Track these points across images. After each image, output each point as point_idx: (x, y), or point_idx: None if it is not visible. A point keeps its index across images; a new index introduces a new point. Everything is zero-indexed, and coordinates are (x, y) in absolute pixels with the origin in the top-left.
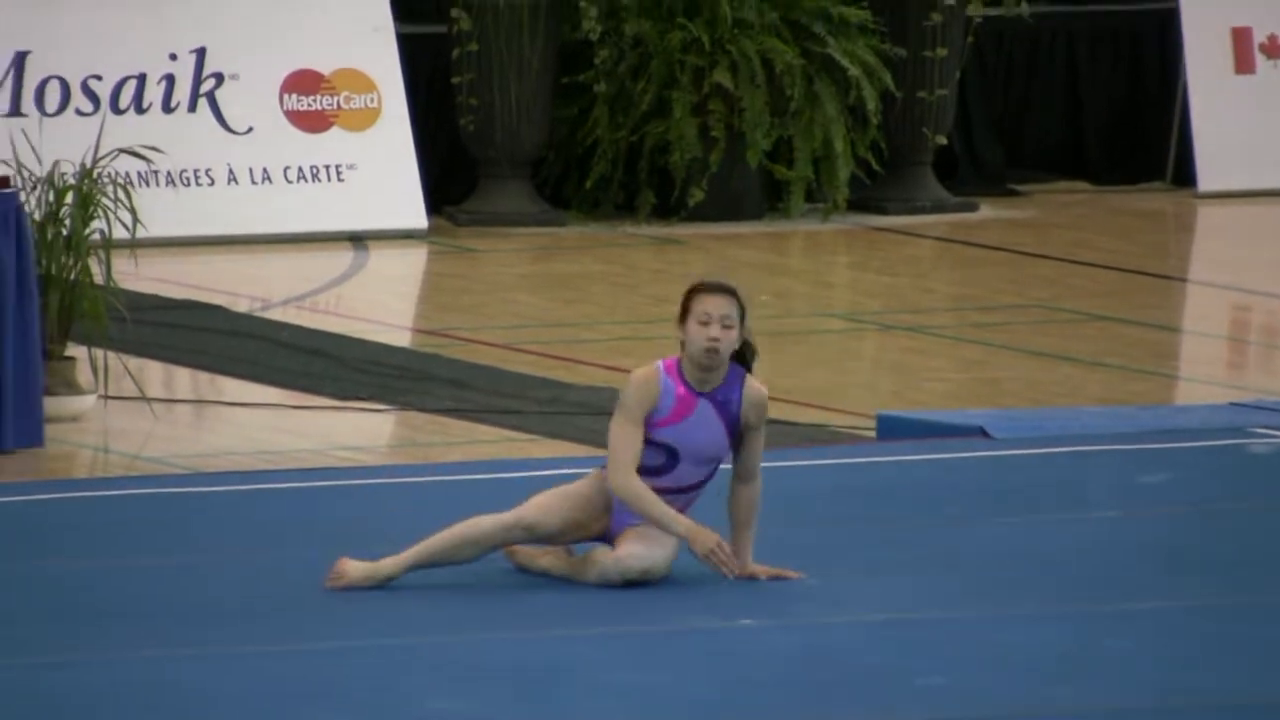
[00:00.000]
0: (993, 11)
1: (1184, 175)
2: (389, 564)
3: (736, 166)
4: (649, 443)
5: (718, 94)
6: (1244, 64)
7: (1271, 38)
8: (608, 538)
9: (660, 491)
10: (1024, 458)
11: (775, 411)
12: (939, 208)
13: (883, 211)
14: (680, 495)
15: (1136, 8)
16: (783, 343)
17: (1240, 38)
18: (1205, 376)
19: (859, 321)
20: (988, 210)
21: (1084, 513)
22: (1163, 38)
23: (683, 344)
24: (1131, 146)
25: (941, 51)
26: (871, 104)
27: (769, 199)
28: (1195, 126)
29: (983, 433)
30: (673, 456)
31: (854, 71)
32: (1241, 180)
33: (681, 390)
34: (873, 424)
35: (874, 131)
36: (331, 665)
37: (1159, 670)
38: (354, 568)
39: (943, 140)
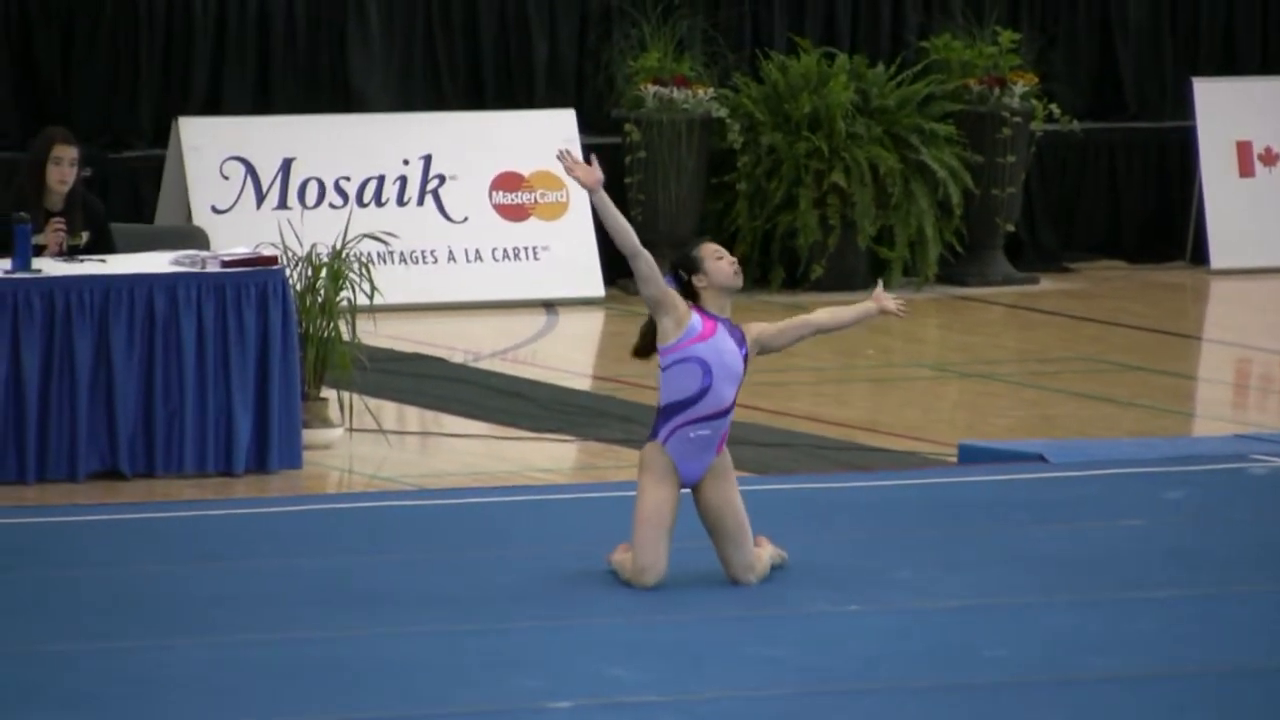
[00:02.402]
0: (1050, 127)
1: (1200, 256)
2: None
3: (849, 248)
4: (684, 361)
5: (834, 191)
6: (1246, 169)
7: (1268, 149)
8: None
9: (701, 419)
10: (1073, 478)
11: (877, 441)
12: (1008, 281)
13: (963, 284)
14: (717, 419)
15: (1163, 125)
16: (883, 388)
17: (1243, 149)
18: (1215, 415)
19: (944, 370)
20: (1046, 283)
21: (1118, 521)
22: (1183, 148)
23: (703, 294)
24: (1158, 233)
25: (1011, 158)
26: (955, 199)
27: (874, 274)
28: (1208, 218)
29: (1041, 458)
30: (708, 373)
31: (942, 174)
32: (1244, 260)
33: (705, 316)
34: (955, 451)
35: (957, 221)
36: (530, 639)
37: (1173, 644)
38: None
39: (1011, 228)
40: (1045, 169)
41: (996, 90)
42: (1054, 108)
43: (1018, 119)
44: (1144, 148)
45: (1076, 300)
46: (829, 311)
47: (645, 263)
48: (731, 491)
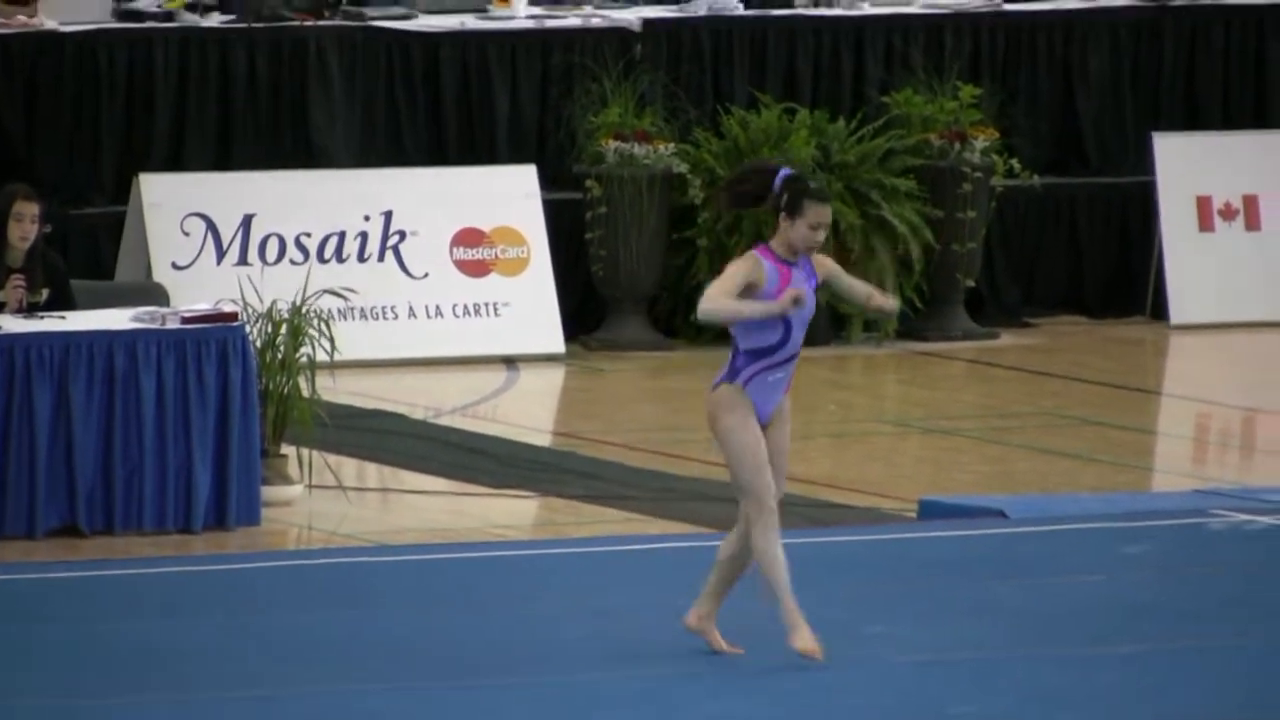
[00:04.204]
0: (1011, 182)
1: (1160, 310)
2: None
3: None
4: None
5: None
6: (1206, 224)
7: (1228, 204)
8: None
9: (776, 365)
10: (1034, 534)
11: (839, 497)
12: (968, 336)
13: (924, 339)
14: (788, 364)
15: (1123, 180)
16: (844, 443)
17: (1204, 204)
18: (1175, 469)
19: (905, 426)
20: (1007, 338)
21: (1080, 576)
22: (1143, 203)
23: (779, 230)
24: (1119, 288)
25: (971, 213)
26: (916, 254)
27: (835, 329)
28: (1168, 272)
29: (1002, 514)
30: (786, 323)
31: (902, 229)
32: (1204, 315)
33: (779, 264)
34: (916, 507)
35: (917, 276)
36: (496, 696)
37: (1137, 698)
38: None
39: (971, 283)
40: (1006, 224)
41: (957, 145)
42: (1014, 163)
43: (978, 174)
44: (1104, 202)
45: (1037, 355)
46: (848, 278)
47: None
48: (788, 436)
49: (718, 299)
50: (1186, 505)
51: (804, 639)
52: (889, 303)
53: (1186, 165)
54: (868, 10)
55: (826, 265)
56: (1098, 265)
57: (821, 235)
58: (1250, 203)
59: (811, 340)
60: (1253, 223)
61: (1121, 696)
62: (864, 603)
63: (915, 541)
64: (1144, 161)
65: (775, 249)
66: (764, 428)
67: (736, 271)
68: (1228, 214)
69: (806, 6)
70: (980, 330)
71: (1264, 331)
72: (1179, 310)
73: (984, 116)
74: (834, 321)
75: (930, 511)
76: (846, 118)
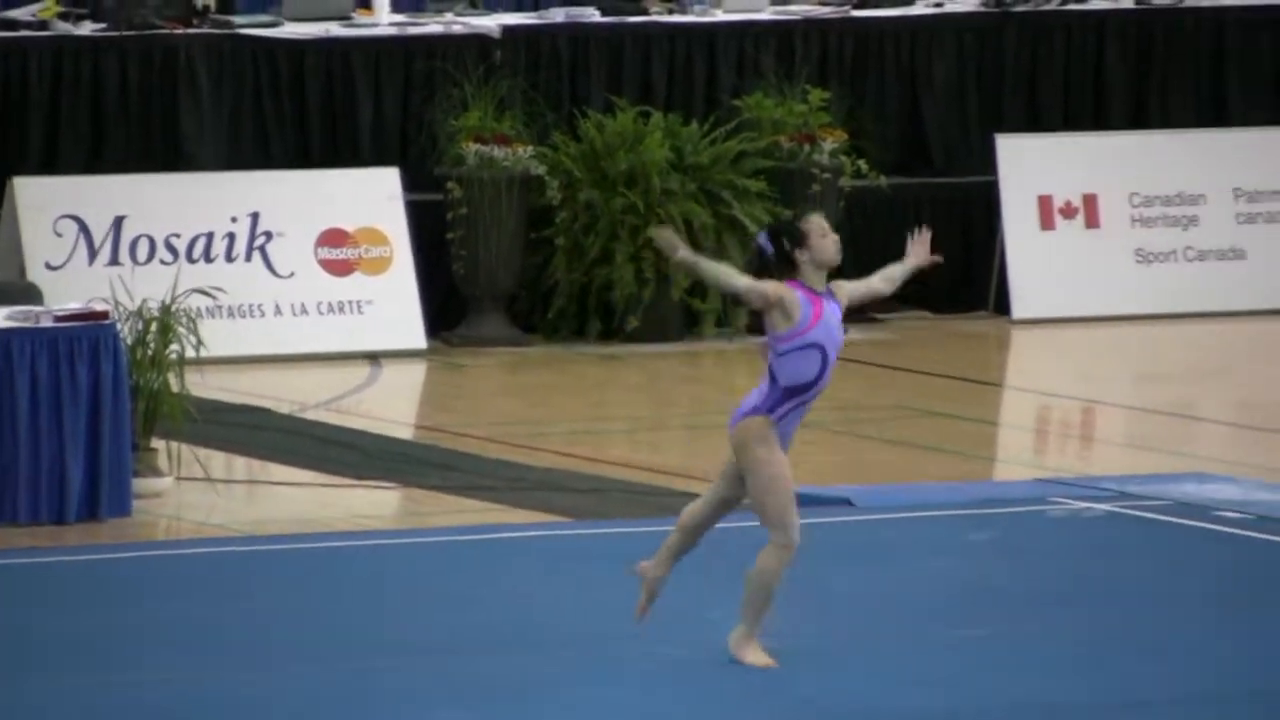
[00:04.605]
0: (859, 182)
1: (1002, 306)
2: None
3: (663, 300)
4: (804, 348)
5: (649, 246)
6: (1047, 222)
7: (1068, 203)
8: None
9: (808, 401)
10: (880, 521)
11: (691, 487)
12: None
13: None
14: (811, 403)
15: (967, 180)
16: (697, 434)
17: (1044, 203)
18: (1016, 459)
19: None
20: (855, 334)
21: (924, 562)
22: (986, 202)
23: (798, 265)
24: (962, 284)
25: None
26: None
27: (688, 325)
28: (1010, 269)
29: (848, 502)
30: (823, 356)
31: (753, 228)
32: (1045, 310)
33: (810, 295)
34: None
35: None
36: (363, 682)
37: (982, 679)
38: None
39: None
40: (854, 223)
41: (806, 147)
42: (862, 164)
43: (827, 175)
44: (949, 202)
45: (884, 350)
46: (884, 277)
47: (748, 295)
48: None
49: (730, 269)
50: (1027, 494)
51: (752, 656)
52: (925, 255)
53: (1028, 166)
54: (720, 17)
55: (843, 289)
56: (945, 262)
57: (835, 236)
58: (1090, 201)
59: (664, 336)
60: (1092, 221)
61: (967, 678)
62: (713, 589)
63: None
64: (987, 162)
65: (805, 281)
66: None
67: (771, 282)
68: (1068, 212)
69: (660, 13)
70: None
71: (1102, 326)
72: (1021, 306)
73: (832, 119)
74: (686, 319)
75: None
76: (700, 121)
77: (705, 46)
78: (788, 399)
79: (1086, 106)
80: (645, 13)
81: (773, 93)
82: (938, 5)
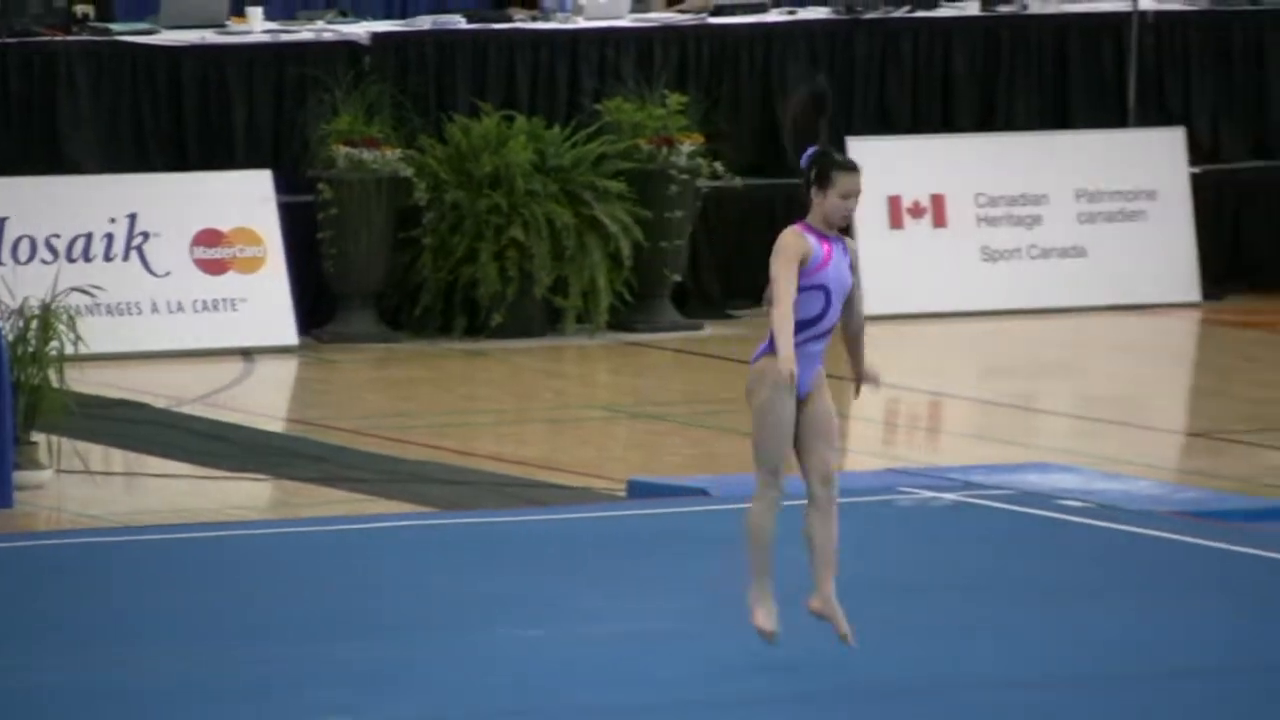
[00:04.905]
0: (715, 183)
1: None
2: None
3: (526, 298)
4: (810, 289)
5: (513, 245)
6: (896, 221)
7: (916, 203)
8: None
9: (818, 336)
10: (735, 511)
11: (553, 478)
12: (675, 327)
13: (633, 330)
14: (827, 335)
15: None
16: (560, 428)
17: (894, 203)
18: (867, 450)
19: (616, 412)
20: (711, 329)
21: (779, 549)
22: None
23: (813, 205)
24: None
25: (678, 213)
26: (626, 251)
27: (550, 322)
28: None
29: (705, 493)
30: (827, 297)
31: (613, 228)
32: (895, 306)
33: (821, 239)
34: (625, 487)
35: (627, 271)
36: (238, 668)
37: (830, 664)
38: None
39: (678, 277)
40: (710, 222)
41: (665, 149)
42: (718, 165)
43: (684, 176)
44: (801, 202)
45: (739, 345)
46: (858, 343)
47: (788, 284)
48: (829, 398)
49: (785, 303)
50: (877, 484)
51: (760, 618)
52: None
53: (878, 166)
54: (581, 24)
55: (855, 255)
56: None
57: (854, 204)
58: (937, 201)
59: (526, 332)
60: (939, 220)
61: (815, 663)
62: (575, 576)
63: (623, 519)
64: None
65: (813, 224)
66: (805, 398)
67: (791, 254)
68: (916, 212)
69: (524, 21)
70: (686, 322)
71: (949, 321)
72: (871, 301)
73: (690, 123)
74: (549, 315)
75: (638, 491)
76: (562, 125)
77: (567, 53)
78: (796, 334)
79: (934, 109)
80: (509, 20)
81: (632, 97)
82: (791, 12)
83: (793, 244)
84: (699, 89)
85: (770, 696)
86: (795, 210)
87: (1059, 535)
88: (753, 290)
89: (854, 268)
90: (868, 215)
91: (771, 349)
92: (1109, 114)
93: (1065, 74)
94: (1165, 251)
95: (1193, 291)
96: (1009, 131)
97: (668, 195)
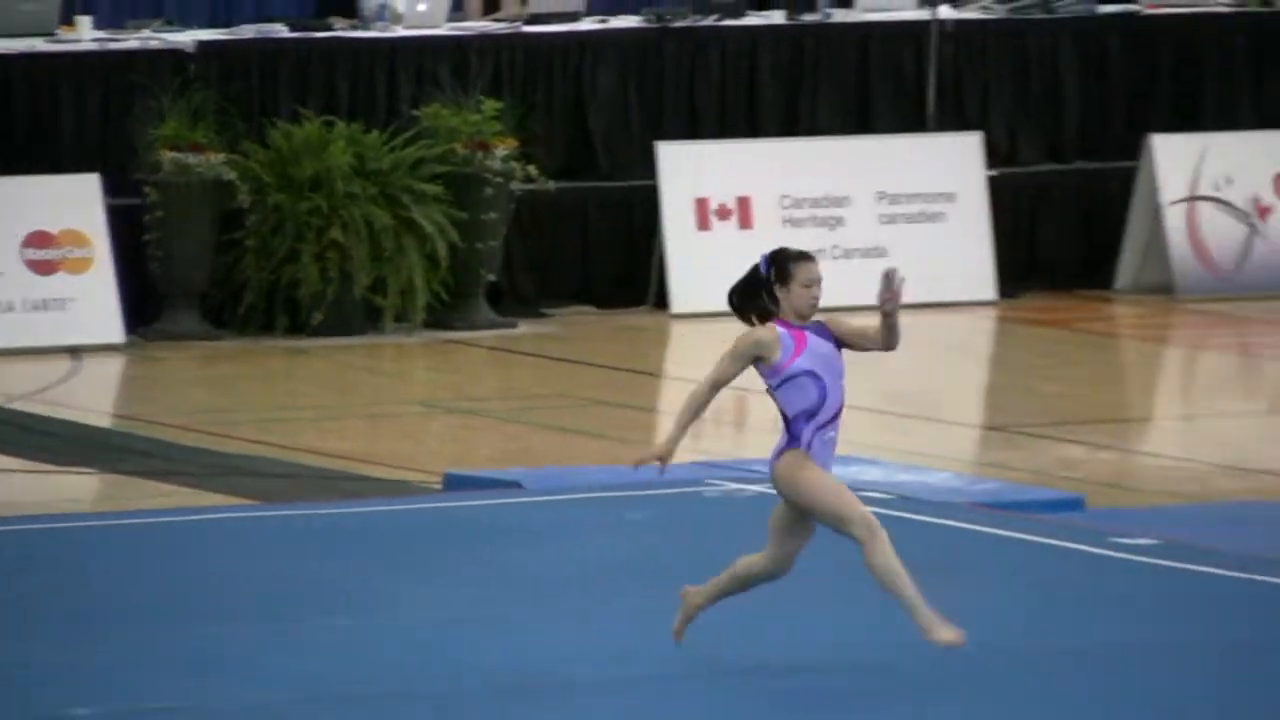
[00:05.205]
0: (529, 186)
1: (662, 301)
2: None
3: (346, 297)
4: (793, 378)
5: (333, 246)
6: (703, 224)
7: (722, 206)
8: None
9: (828, 423)
10: (547, 502)
11: (371, 471)
12: (490, 325)
13: (450, 328)
14: (837, 420)
15: (630, 184)
16: (376, 423)
17: (701, 205)
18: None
19: (433, 407)
20: (525, 327)
21: (589, 540)
22: (648, 205)
23: (781, 304)
24: (625, 281)
25: (493, 215)
26: (442, 252)
27: (369, 320)
28: (670, 267)
29: (519, 485)
30: (817, 380)
31: (430, 229)
32: (701, 305)
33: (789, 328)
34: (441, 480)
35: (443, 271)
36: (58, 655)
37: (638, 649)
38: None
39: (493, 277)
40: (524, 224)
41: (480, 154)
42: (532, 169)
43: (499, 179)
44: (613, 204)
45: (552, 342)
46: (866, 334)
47: (731, 367)
48: None
49: (706, 385)
50: (685, 476)
51: (944, 633)
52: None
53: (686, 170)
54: (400, 33)
55: (836, 323)
56: (607, 261)
57: (818, 290)
58: (743, 204)
59: (346, 330)
60: (745, 222)
61: (624, 648)
62: (394, 566)
63: (440, 510)
64: (649, 167)
65: (786, 318)
66: None
67: (740, 349)
68: (723, 214)
69: (344, 30)
70: (500, 320)
71: None
72: (679, 301)
73: (504, 128)
74: (368, 314)
75: (454, 484)
76: (381, 130)
77: (386, 60)
78: (805, 423)
79: (740, 115)
80: (330, 29)
81: (449, 104)
82: (602, 21)
83: (756, 336)
84: (513, 95)
85: (588, 683)
86: (606, 213)
87: None
88: (565, 290)
89: (841, 335)
90: (675, 217)
91: (791, 444)
92: (909, 119)
93: (867, 81)
94: (963, 252)
95: (989, 290)
96: (813, 136)
97: (483, 198)
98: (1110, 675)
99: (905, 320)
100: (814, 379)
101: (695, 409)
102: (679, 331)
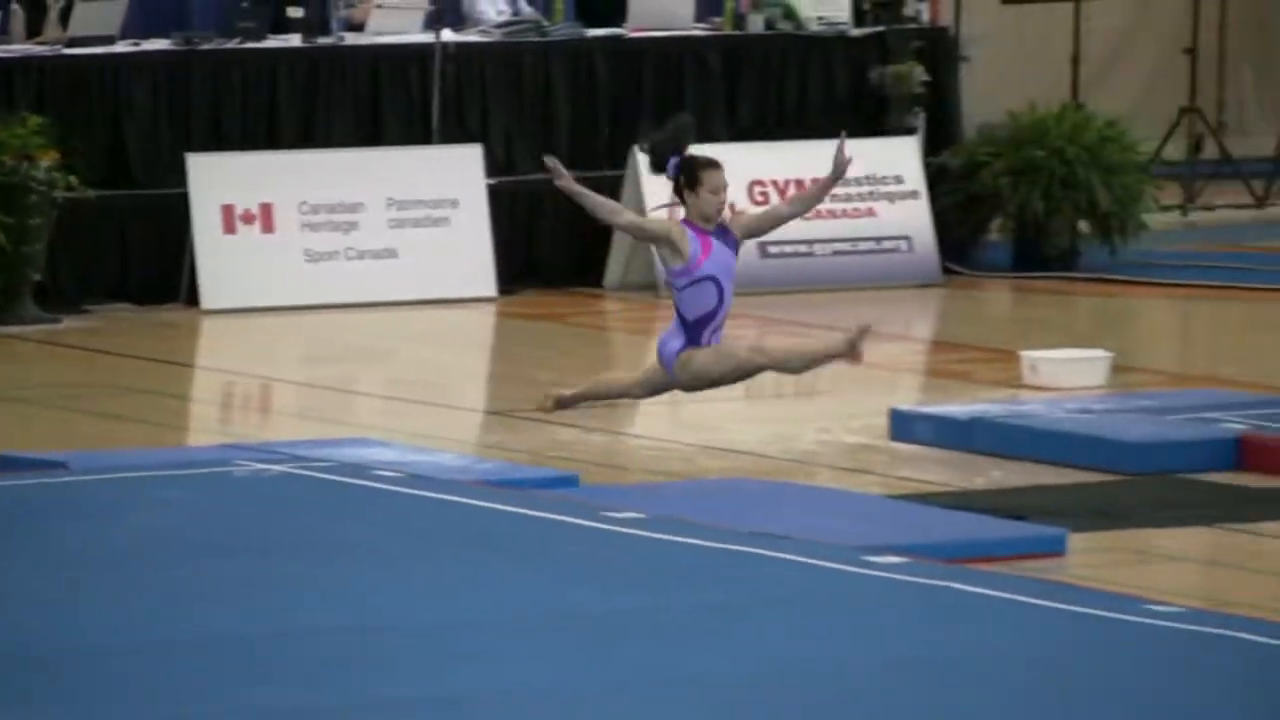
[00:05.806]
0: (71, 194)
1: (193, 298)
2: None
3: None
4: (697, 282)
5: None
6: (230, 227)
7: (247, 211)
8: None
9: (717, 329)
10: (91, 482)
11: None
12: (36, 321)
13: (2, 324)
14: (723, 329)
15: (165, 191)
16: None
17: (227, 211)
18: (206, 429)
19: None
20: (69, 323)
21: (129, 516)
22: (180, 211)
23: (689, 206)
24: (161, 280)
25: (38, 220)
26: None
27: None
28: (200, 267)
29: (65, 466)
30: (718, 286)
31: None
32: (229, 301)
33: (700, 234)
34: None
35: None
36: None
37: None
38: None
39: (38, 277)
40: (67, 229)
41: (26, 164)
42: (73, 179)
43: (43, 187)
44: (148, 210)
45: (92, 336)
46: (793, 199)
47: (627, 226)
48: None
49: (615, 205)
50: (214, 457)
51: (848, 342)
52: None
53: (214, 180)
54: None
55: (740, 221)
56: (144, 262)
57: (723, 195)
58: (266, 209)
59: None
60: (268, 226)
61: (162, 617)
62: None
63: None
64: (180, 176)
65: (694, 220)
66: None
67: (654, 223)
68: (247, 219)
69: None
70: (46, 316)
71: (278, 315)
72: (209, 298)
73: (47, 141)
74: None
75: (3, 465)
76: None
77: None
78: (701, 329)
79: (263, 129)
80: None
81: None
82: (136, 44)
83: (659, 223)
84: (55, 111)
85: (123, 650)
86: (141, 218)
87: (376, 501)
88: (106, 289)
89: (748, 235)
90: (204, 222)
91: (681, 349)
92: (416, 133)
93: (378, 98)
94: (466, 252)
95: (490, 287)
96: (328, 149)
97: (29, 204)
98: (597, 639)
99: (414, 314)
100: (715, 285)
101: (606, 201)
102: (209, 326)
